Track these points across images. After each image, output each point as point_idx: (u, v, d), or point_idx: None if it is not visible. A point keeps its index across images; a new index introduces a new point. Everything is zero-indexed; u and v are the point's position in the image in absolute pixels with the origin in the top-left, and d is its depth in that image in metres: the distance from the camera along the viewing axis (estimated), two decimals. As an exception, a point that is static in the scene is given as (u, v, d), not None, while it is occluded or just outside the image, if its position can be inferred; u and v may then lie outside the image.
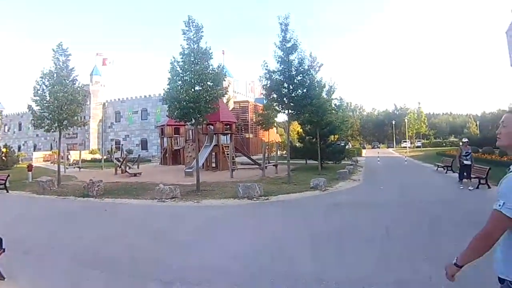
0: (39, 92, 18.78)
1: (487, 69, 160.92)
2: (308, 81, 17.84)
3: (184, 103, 14.24)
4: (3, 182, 18.41)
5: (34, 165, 32.26)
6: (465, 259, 2.09)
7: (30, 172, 22.68)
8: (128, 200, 14.00)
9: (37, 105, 18.91)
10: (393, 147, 77.49)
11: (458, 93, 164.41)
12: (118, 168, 26.04)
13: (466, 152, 13.68)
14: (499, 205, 1.94)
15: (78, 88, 19.66)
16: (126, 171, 24.76)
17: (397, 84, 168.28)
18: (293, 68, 17.29)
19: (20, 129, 68.54)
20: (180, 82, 14.69)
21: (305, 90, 17.69)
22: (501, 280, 2.05)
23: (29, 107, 19.17)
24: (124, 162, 25.81)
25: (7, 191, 18.16)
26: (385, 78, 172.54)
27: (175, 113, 14.73)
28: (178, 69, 14.73)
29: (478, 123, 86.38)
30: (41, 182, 18.11)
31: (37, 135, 63.09)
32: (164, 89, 15.00)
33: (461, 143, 14.27)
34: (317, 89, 19.61)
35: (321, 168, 22.80)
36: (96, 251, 6.93)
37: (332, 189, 15.26)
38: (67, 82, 19.06)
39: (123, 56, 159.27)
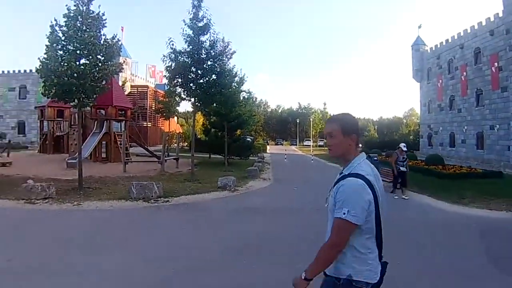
0: None
1: (390, 79, 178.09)
2: (219, 68, 15.96)
3: (65, 78, 11.19)
4: None
5: None
6: (314, 271, 2.10)
7: None
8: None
9: None
10: (296, 144, 79.99)
11: (359, 98, 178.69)
12: (-18, 156, 21.43)
13: (403, 158, 12.90)
14: (344, 213, 1.99)
15: None
16: (-8, 160, 20.39)
17: (302, 84, 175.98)
18: (203, 51, 15.28)
19: None
20: (61, 52, 11.53)
21: (214, 77, 15.80)
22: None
23: None
24: (-10, 148, 21.28)
25: None
26: (291, 76, 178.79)
27: (52, 90, 11.59)
28: (60, 35, 11.54)
29: (376, 128, 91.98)
30: None
31: None
32: (39, 59, 11.57)
33: (398, 149, 13.24)
34: (228, 77, 17.87)
35: (227, 164, 21.24)
36: None
37: (242, 190, 13.62)
38: None
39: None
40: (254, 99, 32.25)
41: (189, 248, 6.38)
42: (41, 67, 11.47)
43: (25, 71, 47.42)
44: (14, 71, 48.42)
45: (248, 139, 28.08)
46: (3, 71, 48.81)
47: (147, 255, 5.93)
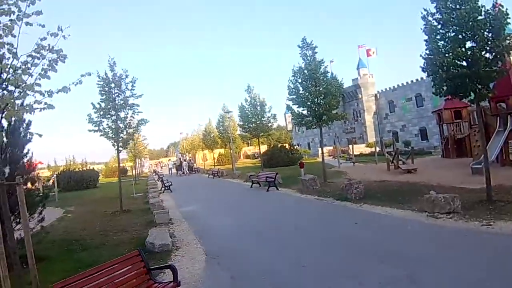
0: (293, 90, 18.48)
1: None
2: None
3: (454, 70, 9.50)
4: (272, 179, 19.13)
5: (319, 160, 33.97)
6: None
7: (302, 169, 22.53)
8: (390, 209, 10.93)
9: (294, 104, 18.64)
10: None
11: None
12: (390, 163, 22.90)
13: None
14: None
15: (331, 80, 18.24)
16: (398, 167, 21.34)
17: None
18: None
19: (306, 128, 74.38)
20: (442, 42, 9.91)
21: None
22: None
23: (288, 106, 19.23)
24: (396, 156, 22.38)
25: (277, 189, 18.94)
26: None
27: (443, 87, 10.06)
28: (434, 23, 10.02)
29: None
30: (304, 181, 17.75)
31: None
32: (421, 56, 10.45)
33: None
34: None
35: None
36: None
37: None
38: (318, 75, 18.15)
39: (385, 42, 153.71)
40: None
41: None
42: (425, 64, 10.33)
43: (417, 80, 49.01)
44: (407, 82, 51.25)
45: None
46: (398, 85, 52.69)
47: None
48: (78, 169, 40.56)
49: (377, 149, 35.18)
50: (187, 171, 47.46)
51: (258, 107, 28.58)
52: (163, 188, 24.03)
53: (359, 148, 46.06)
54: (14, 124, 8.83)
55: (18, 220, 8.02)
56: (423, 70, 10.61)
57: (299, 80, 18.41)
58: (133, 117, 15.40)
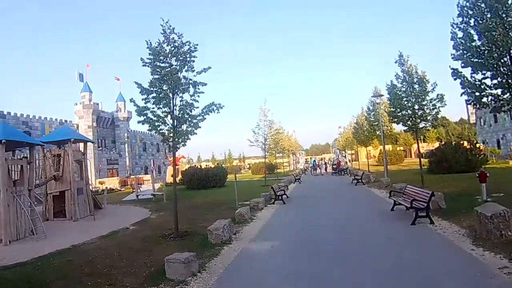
0: (463, 43, 10.18)
1: None
2: None
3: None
4: (423, 206, 10.54)
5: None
6: None
7: (482, 185, 12.77)
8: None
9: (465, 66, 10.50)
10: None
11: None
12: None
13: None
14: None
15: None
16: None
17: None
18: None
19: (496, 121, 57.05)
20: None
21: None
22: None
23: (455, 72, 11.19)
24: None
25: (431, 222, 10.33)
26: None
27: None
28: None
29: None
30: (483, 216, 8.18)
31: (517, 126, 50.90)
32: None
33: None
34: None
35: None
36: None
37: None
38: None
39: None
40: None
41: None
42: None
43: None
44: None
45: None
46: None
47: None
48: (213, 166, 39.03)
49: None
50: (323, 172, 45.64)
51: (416, 85, 17.96)
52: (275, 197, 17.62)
53: None
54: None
55: None
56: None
57: (471, 23, 9.70)
58: (196, 101, 10.77)
